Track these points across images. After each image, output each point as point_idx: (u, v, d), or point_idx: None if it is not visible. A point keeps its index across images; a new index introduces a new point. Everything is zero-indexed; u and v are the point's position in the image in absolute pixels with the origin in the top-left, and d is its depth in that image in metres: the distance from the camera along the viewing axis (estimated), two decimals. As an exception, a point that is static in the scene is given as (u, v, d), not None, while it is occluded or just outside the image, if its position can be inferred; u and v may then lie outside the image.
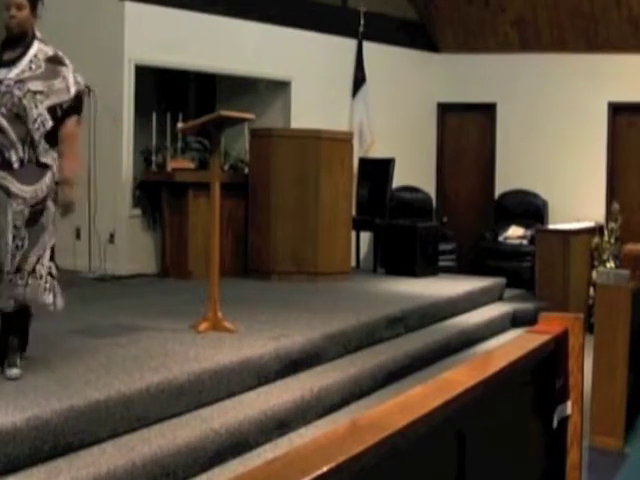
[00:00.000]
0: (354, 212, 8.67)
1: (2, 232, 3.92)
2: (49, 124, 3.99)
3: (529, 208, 10.25)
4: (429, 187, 10.63)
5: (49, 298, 4.03)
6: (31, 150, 3.97)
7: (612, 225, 8.51)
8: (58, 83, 4.03)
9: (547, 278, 8.19)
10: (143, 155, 7.96)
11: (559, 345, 2.92)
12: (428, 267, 8.53)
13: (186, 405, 4.14)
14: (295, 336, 5.15)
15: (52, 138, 4.04)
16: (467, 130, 10.89)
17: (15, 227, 3.92)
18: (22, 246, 3.93)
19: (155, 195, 7.82)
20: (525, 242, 9.78)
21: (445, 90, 10.72)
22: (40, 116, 3.96)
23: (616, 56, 9.96)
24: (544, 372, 2.88)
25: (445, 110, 10.87)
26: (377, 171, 9.13)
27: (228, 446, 3.95)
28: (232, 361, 4.51)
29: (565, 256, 8.15)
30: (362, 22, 9.70)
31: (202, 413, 4.14)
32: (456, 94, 10.70)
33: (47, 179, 4.02)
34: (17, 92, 3.94)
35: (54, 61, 4.07)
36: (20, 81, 3.96)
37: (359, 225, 8.83)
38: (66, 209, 4.14)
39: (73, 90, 4.07)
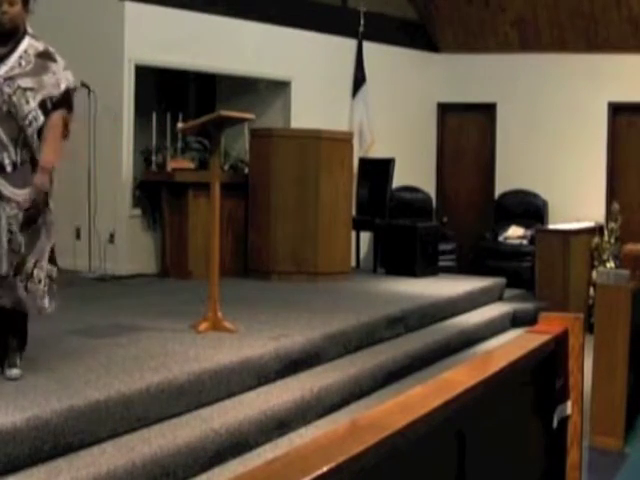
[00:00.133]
0: (354, 212, 8.67)
1: None
2: (41, 119, 3.94)
3: (529, 208, 10.25)
4: (429, 187, 10.63)
5: (46, 302, 4.01)
6: (25, 150, 3.92)
7: (612, 225, 8.50)
8: (48, 78, 3.98)
9: (547, 278, 8.18)
10: (143, 155, 7.96)
11: (559, 345, 2.92)
12: (428, 267, 8.53)
13: (186, 405, 4.13)
14: (295, 336, 5.15)
15: None
16: (467, 130, 10.88)
17: (10, 231, 3.88)
18: (19, 251, 3.89)
19: (155, 195, 7.82)
20: (525, 242, 9.78)
21: (445, 90, 10.71)
22: (31, 112, 3.91)
23: (616, 56, 9.96)
24: (544, 372, 2.88)
25: (445, 110, 10.87)
26: (377, 171, 9.12)
27: (228, 446, 3.95)
28: (232, 361, 4.51)
29: (565, 256, 8.15)
30: (362, 22, 9.70)
31: (202, 413, 4.13)
32: (456, 94, 10.70)
33: None
34: (7, 89, 3.90)
35: (44, 56, 4.01)
36: (10, 78, 3.92)
37: (359, 225, 8.83)
38: (37, 196, 3.92)
39: (63, 86, 4.01)
